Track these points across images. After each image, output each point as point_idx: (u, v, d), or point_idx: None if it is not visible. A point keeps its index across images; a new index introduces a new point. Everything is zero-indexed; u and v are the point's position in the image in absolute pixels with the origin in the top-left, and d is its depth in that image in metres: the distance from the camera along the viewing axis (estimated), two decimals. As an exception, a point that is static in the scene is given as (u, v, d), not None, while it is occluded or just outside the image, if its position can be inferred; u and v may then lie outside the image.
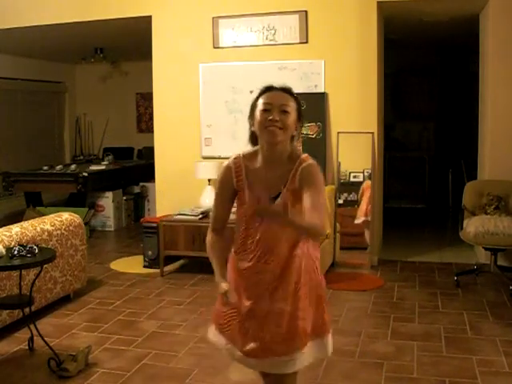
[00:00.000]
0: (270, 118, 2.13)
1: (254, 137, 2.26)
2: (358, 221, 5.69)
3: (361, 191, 5.72)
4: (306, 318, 2.21)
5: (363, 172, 5.71)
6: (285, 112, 2.15)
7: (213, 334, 2.35)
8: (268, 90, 2.22)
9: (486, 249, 5.09)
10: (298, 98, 2.26)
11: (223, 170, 2.28)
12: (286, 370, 2.21)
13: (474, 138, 6.27)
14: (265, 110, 2.15)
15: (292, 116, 2.17)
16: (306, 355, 2.21)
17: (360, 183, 5.73)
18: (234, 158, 2.26)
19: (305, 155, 2.24)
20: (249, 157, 2.26)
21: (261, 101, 2.19)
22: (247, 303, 2.22)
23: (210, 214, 2.40)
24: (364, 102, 5.68)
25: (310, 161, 2.21)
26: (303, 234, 2.17)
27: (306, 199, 2.09)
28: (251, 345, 2.20)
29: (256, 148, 2.26)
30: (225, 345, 2.30)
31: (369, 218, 5.68)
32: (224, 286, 2.15)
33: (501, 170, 5.43)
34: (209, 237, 2.31)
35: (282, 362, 2.19)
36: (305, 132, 5.79)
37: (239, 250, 2.27)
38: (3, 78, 8.79)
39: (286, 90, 2.23)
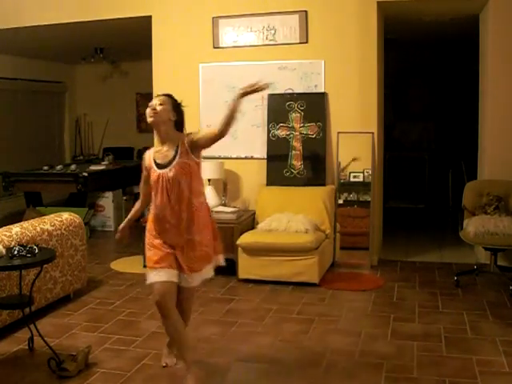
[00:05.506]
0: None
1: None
2: None
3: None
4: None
5: (363, 172, 5.72)
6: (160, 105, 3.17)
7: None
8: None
9: (486, 249, 5.10)
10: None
11: None
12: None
13: (474, 138, 6.27)
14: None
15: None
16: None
17: (360, 183, 5.73)
18: None
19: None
20: None
21: None
22: None
23: None
24: (364, 102, 5.68)
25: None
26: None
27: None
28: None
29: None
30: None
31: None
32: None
33: (501, 170, 5.43)
34: None
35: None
36: (305, 132, 5.80)
37: None
38: (3, 78, 8.79)
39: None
